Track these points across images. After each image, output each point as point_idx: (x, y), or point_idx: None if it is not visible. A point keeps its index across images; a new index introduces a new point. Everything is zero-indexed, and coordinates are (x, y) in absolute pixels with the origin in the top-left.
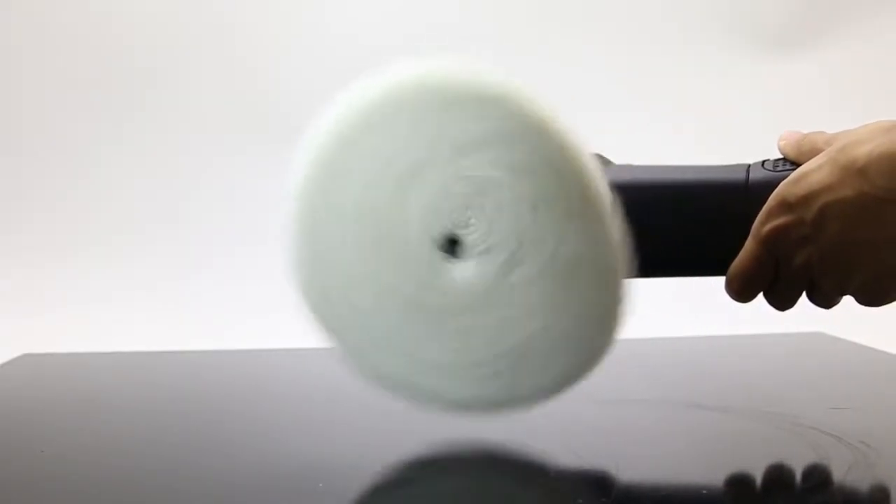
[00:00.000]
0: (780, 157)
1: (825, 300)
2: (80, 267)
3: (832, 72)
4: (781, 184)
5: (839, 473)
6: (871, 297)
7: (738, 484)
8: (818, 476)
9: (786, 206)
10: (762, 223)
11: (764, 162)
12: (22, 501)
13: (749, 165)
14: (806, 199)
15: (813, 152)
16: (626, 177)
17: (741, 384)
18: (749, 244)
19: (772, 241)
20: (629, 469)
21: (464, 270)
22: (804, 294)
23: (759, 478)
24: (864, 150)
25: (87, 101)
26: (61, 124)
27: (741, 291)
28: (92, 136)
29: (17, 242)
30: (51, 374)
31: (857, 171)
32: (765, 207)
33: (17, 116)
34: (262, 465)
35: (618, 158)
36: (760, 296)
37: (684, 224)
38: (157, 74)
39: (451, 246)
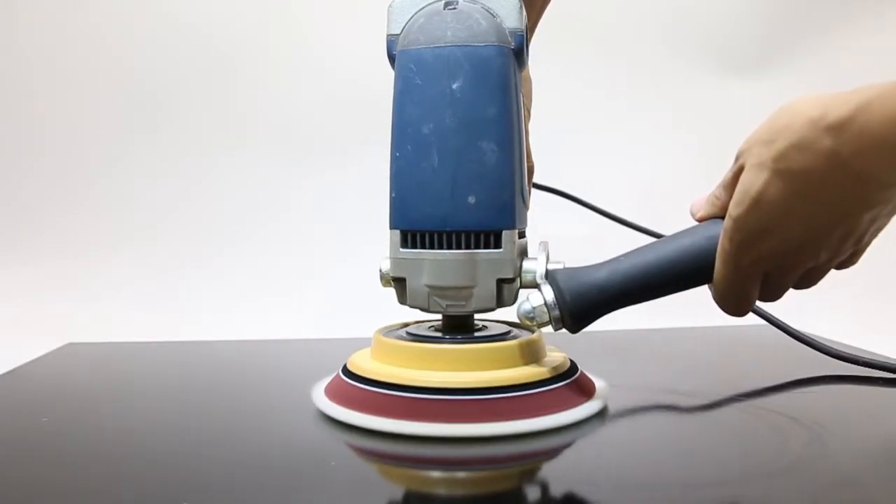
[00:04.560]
0: None
1: (820, 274)
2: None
3: (786, 90)
4: (729, 215)
5: (797, 449)
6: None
7: (706, 461)
8: (778, 452)
9: (755, 231)
10: (739, 255)
11: None
12: (74, 476)
13: None
14: (757, 211)
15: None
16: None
17: (707, 371)
18: (730, 274)
19: (756, 265)
20: (605, 448)
21: None
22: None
23: (725, 455)
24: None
25: (120, 125)
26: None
27: (739, 312)
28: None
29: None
30: (93, 362)
31: (773, 160)
32: (732, 245)
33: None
34: (277, 445)
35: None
36: None
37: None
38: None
39: None
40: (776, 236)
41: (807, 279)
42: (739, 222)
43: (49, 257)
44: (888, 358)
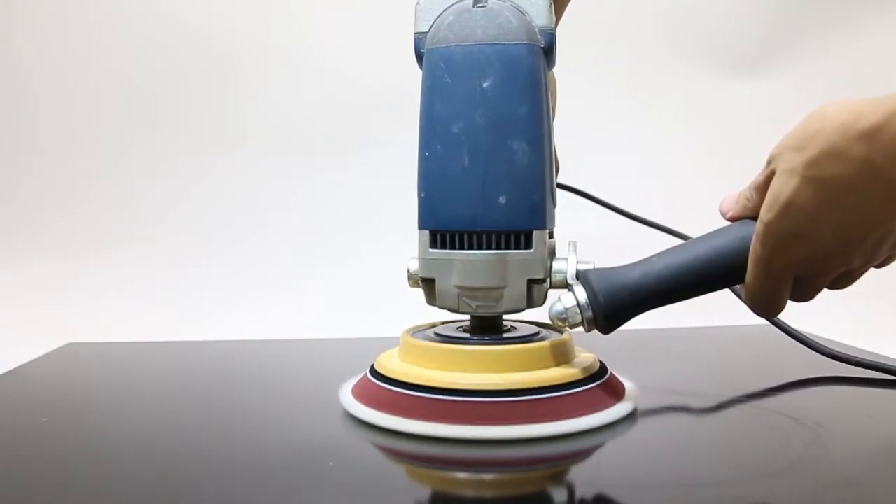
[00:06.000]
0: None
1: (854, 277)
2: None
3: (786, 90)
4: (761, 220)
5: (797, 449)
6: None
7: (707, 461)
8: (779, 452)
9: (785, 237)
10: (770, 260)
11: None
12: (74, 476)
13: None
14: (787, 217)
15: (756, 196)
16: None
17: (708, 371)
18: (761, 277)
19: (787, 270)
20: (602, 448)
21: None
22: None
23: (725, 455)
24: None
25: (120, 125)
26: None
27: (771, 313)
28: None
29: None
30: (93, 362)
31: (804, 167)
32: (764, 249)
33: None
34: (274, 446)
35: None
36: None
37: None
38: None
39: None
40: (807, 242)
41: (840, 281)
42: (770, 227)
43: (49, 257)
44: (888, 359)
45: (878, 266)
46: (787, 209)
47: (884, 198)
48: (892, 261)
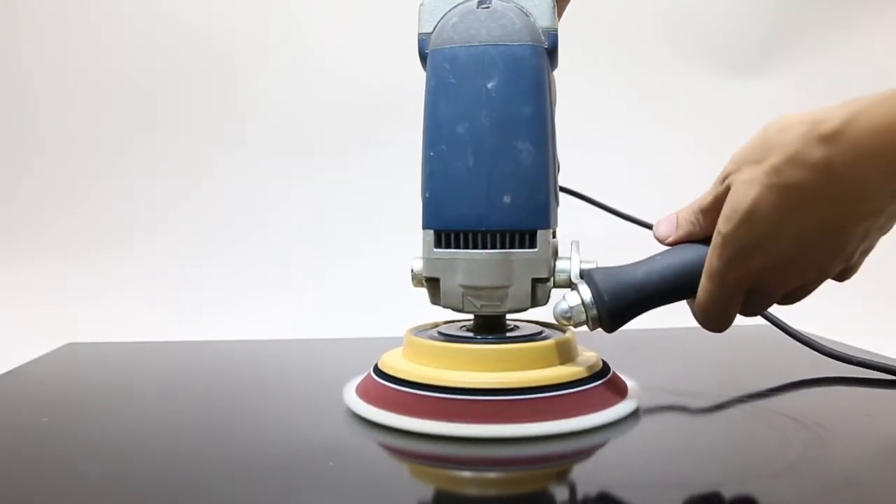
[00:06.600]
0: None
1: (805, 292)
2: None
3: (786, 90)
4: (718, 232)
5: (797, 449)
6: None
7: (707, 461)
8: (779, 452)
9: (745, 248)
10: (726, 272)
11: None
12: (74, 476)
13: None
14: (747, 226)
15: (709, 210)
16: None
17: (708, 371)
18: (714, 290)
19: (742, 282)
20: (602, 448)
21: None
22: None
23: (725, 455)
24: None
25: (120, 125)
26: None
27: (721, 328)
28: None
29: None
30: (93, 362)
31: (766, 175)
32: (721, 261)
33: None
34: (275, 445)
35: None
36: None
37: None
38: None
39: None
40: (766, 250)
41: (793, 296)
42: (729, 238)
43: (49, 257)
44: (888, 359)
45: (837, 279)
46: (749, 217)
47: (843, 202)
48: (848, 275)
